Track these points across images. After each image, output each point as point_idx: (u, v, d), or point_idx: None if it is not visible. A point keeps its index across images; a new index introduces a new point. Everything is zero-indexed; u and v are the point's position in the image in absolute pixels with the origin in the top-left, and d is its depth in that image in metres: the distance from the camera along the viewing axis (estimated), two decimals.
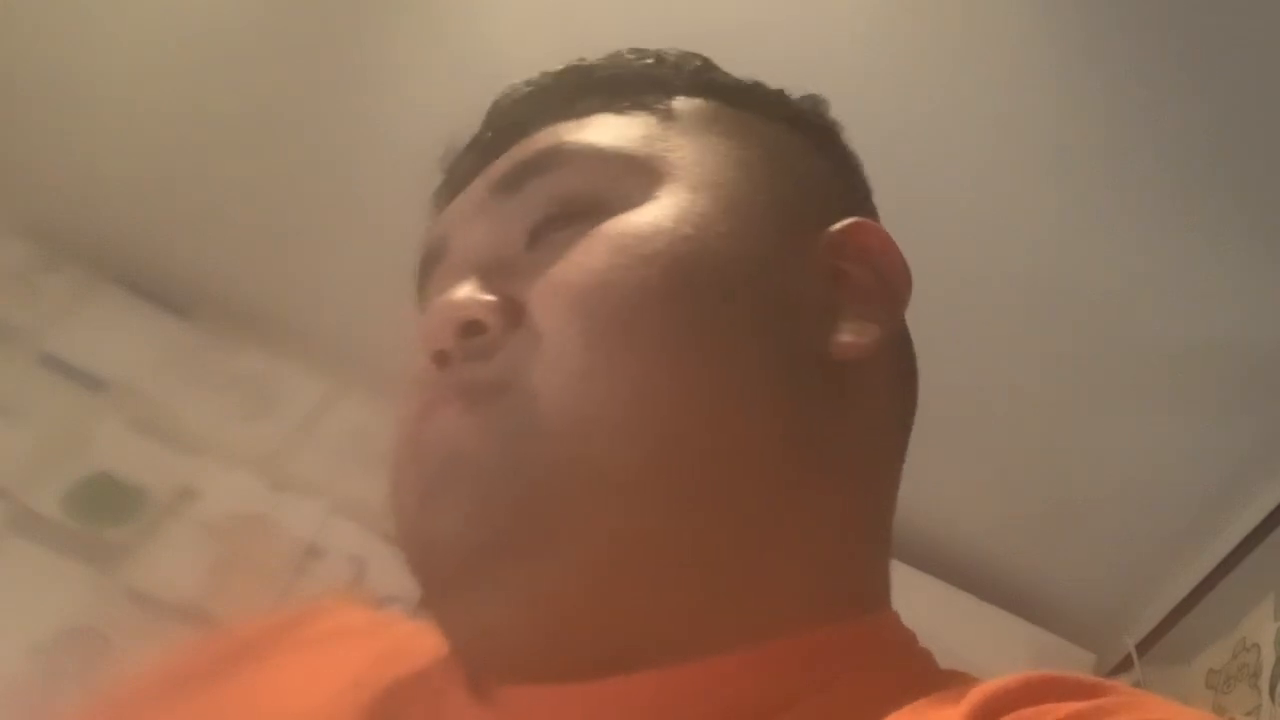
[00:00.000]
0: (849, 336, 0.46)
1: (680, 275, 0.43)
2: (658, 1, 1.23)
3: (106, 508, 1.50)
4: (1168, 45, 1.22)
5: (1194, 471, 1.53)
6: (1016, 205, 1.37)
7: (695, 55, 0.52)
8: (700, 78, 0.52)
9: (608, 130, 0.48)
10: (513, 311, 0.44)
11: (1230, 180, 1.28)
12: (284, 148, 1.52)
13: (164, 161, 1.56)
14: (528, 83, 0.52)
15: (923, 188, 1.28)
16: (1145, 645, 1.62)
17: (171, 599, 1.46)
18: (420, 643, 0.50)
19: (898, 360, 0.50)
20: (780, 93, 0.53)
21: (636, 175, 0.46)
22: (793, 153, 0.50)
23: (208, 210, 1.60)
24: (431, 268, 0.51)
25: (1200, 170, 1.29)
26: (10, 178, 1.61)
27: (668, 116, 0.49)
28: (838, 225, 0.48)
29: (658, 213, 0.45)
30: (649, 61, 0.52)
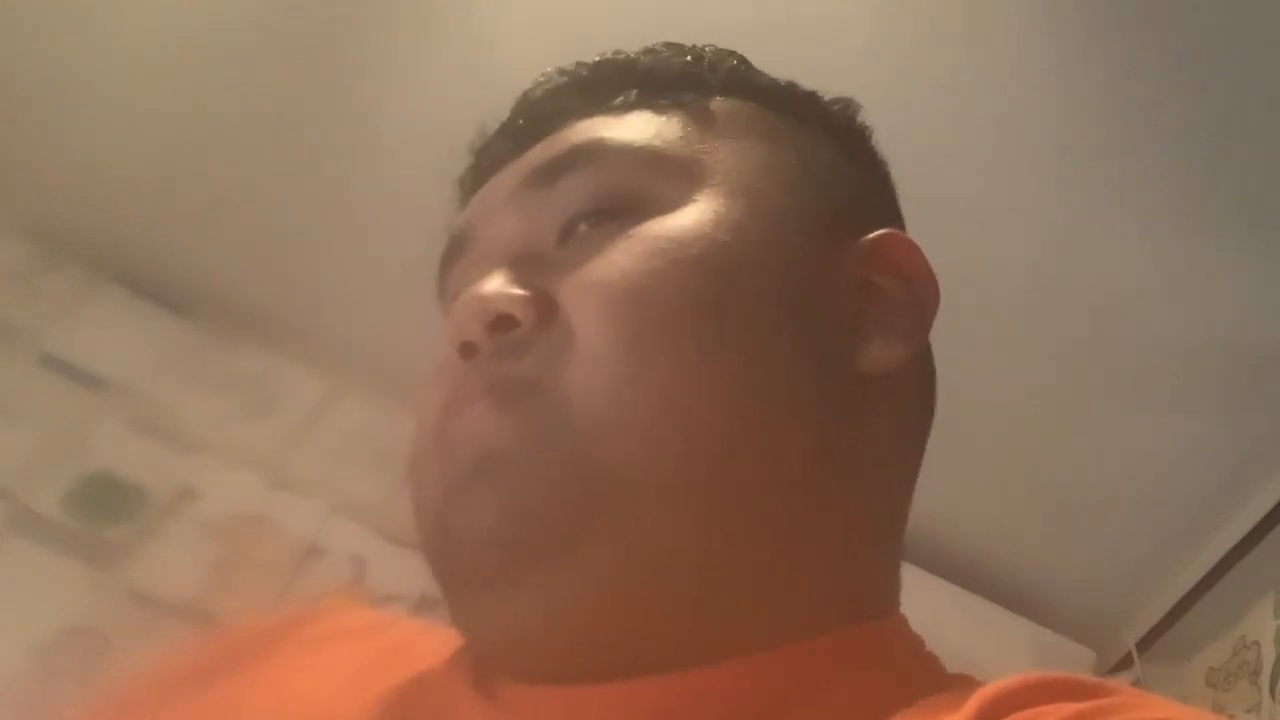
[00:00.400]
0: (878, 350, 0.46)
1: (716, 282, 0.43)
2: (656, 5, 1.23)
3: (106, 507, 1.50)
4: (1169, 43, 1.22)
5: (1194, 469, 1.53)
6: (1018, 205, 1.37)
7: (731, 53, 0.52)
8: (736, 77, 0.51)
9: (647, 129, 0.47)
10: (545, 307, 0.43)
11: (1231, 179, 1.28)
12: (284, 148, 1.51)
13: (164, 161, 1.55)
14: (562, 71, 0.52)
15: (923, 187, 1.27)
16: (1145, 643, 1.62)
17: (171, 598, 1.46)
18: (424, 642, 0.50)
19: (920, 374, 0.50)
20: (814, 95, 0.53)
21: (674, 177, 0.46)
22: (826, 159, 0.50)
23: (208, 210, 1.60)
24: (456, 256, 0.50)
25: (1201, 169, 1.29)
26: (10, 177, 1.60)
27: (705, 117, 0.48)
28: (869, 237, 0.48)
29: (695, 217, 0.44)
30: (687, 59, 0.51)
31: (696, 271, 0.43)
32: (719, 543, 0.42)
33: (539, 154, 0.48)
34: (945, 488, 1.52)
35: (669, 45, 0.52)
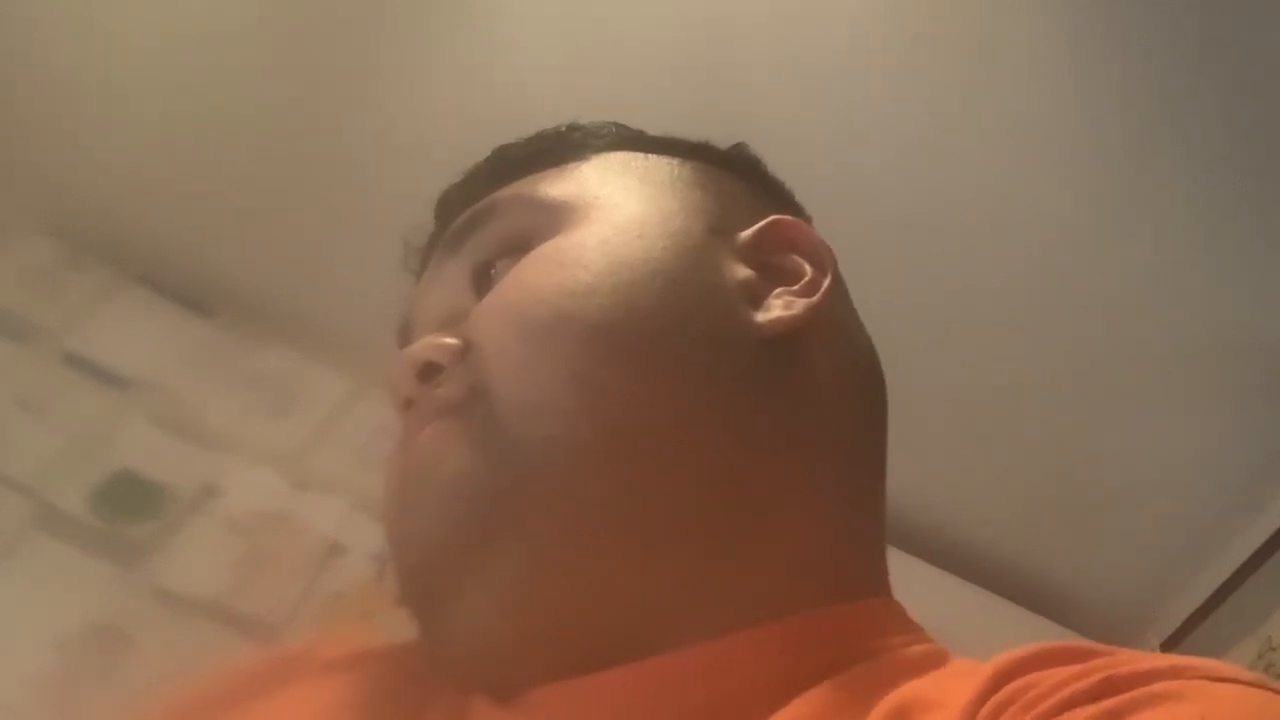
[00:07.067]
0: (778, 312, 0.49)
1: (598, 273, 0.47)
2: (670, 4, 1.23)
3: (130, 505, 1.51)
4: (1184, 46, 1.21)
5: (1219, 470, 1.52)
6: (1038, 207, 1.36)
7: (609, 122, 0.58)
8: (609, 137, 0.57)
9: (533, 184, 0.53)
10: (465, 346, 0.48)
11: (1258, 174, 1.28)
12: (307, 147, 1.52)
13: (187, 162, 1.56)
14: (461, 175, 0.58)
15: (947, 193, 1.27)
16: (1170, 645, 1.61)
17: (195, 596, 1.47)
18: (431, 669, 0.50)
19: (839, 326, 0.52)
20: (678, 138, 0.58)
21: (559, 214, 0.51)
22: (697, 177, 0.55)
23: (230, 210, 1.60)
24: (403, 345, 0.54)
25: (1227, 165, 1.28)
26: (35, 178, 1.62)
27: (584, 168, 0.54)
28: (754, 226, 0.52)
29: (576, 234, 0.49)
30: (562, 132, 0.57)
31: (579, 269, 0.47)
32: (646, 503, 0.44)
33: (450, 229, 0.54)
34: (972, 487, 1.53)
35: (547, 129, 0.58)
